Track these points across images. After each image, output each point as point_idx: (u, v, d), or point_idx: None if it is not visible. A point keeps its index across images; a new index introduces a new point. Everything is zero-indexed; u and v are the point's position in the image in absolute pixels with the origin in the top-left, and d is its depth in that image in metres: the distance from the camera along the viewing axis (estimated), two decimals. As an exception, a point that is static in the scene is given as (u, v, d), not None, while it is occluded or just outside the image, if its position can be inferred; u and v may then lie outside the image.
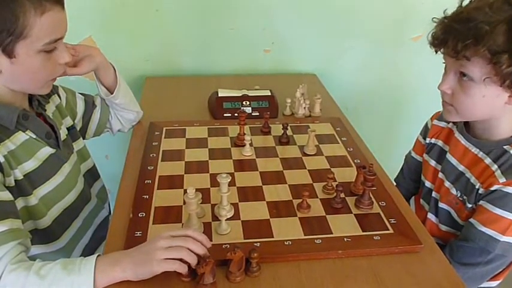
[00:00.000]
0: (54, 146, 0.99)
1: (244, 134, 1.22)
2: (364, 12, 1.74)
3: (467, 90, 0.96)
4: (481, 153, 1.04)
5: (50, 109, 1.04)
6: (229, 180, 0.90)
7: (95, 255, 0.79)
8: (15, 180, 0.89)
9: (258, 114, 1.40)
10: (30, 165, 0.93)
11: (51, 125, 1.01)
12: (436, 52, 1.02)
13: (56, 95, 1.09)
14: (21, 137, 0.92)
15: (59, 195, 1.00)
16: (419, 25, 1.78)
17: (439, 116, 1.21)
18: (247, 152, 1.19)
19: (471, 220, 1.01)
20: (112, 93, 1.18)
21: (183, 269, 0.77)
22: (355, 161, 1.18)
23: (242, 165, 1.15)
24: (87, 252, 1.09)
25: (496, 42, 0.87)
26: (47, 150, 0.97)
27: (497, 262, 1.00)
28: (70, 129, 1.10)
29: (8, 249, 0.77)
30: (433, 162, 1.19)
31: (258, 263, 0.82)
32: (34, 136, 0.95)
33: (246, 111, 1.37)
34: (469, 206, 1.04)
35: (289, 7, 1.70)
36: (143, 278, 0.77)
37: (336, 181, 1.07)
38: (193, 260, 0.77)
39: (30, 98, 0.98)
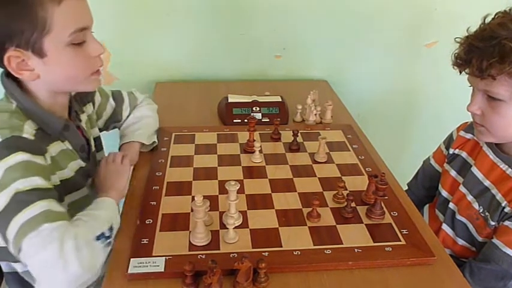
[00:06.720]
0: (85, 159, 1.01)
1: (254, 140, 1.21)
2: (376, 19, 1.73)
3: (498, 110, 0.94)
4: (510, 169, 1.01)
5: (83, 119, 1.06)
6: (237, 187, 0.89)
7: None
8: (53, 185, 0.89)
9: (268, 120, 1.39)
10: (65, 173, 0.94)
11: (87, 138, 1.03)
12: (460, 73, 0.99)
13: (90, 103, 1.10)
14: (59, 146, 0.93)
15: (83, 206, 1.01)
16: (432, 32, 1.76)
17: (465, 128, 1.18)
18: (257, 159, 1.18)
19: (494, 241, 0.98)
20: None
21: None
22: (367, 169, 1.16)
23: (251, 172, 1.14)
24: None
25: None
26: (78, 163, 0.98)
27: None
28: (96, 139, 1.12)
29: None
30: (453, 173, 1.16)
31: (266, 273, 0.81)
32: (70, 147, 0.96)
33: (256, 117, 1.36)
34: (492, 223, 1.01)
35: (301, 13, 1.69)
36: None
37: (346, 190, 1.05)
38: None
39: (69, 108, 0.99)
